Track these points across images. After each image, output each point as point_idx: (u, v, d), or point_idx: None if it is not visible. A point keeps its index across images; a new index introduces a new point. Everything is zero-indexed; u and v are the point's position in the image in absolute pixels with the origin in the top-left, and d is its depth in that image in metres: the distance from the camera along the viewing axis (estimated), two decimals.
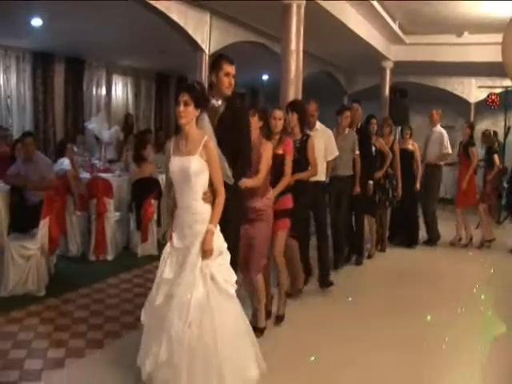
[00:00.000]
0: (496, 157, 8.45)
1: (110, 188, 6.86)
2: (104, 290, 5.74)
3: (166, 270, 3.52)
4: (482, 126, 12.46)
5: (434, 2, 8.39)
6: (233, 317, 3.50)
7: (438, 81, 13.39)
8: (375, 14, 8.79)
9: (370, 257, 7.53)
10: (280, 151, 4.73)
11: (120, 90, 11.75)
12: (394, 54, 11.55)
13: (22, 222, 5.83)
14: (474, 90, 13.29)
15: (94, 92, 10.98)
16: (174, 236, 3.57)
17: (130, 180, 7.24)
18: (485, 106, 12.76)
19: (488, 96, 12.28)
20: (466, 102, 13.44)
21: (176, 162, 3.49)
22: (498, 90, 12.01)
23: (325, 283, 5.92)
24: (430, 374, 4.16)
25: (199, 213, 3.51)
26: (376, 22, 9.39)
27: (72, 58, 10.23)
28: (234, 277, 3.58)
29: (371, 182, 7.15)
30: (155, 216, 7.10)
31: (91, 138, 9.42)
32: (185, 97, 3.40)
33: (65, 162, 6.92)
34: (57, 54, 9.89)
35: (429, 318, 5.36)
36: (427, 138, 8.64)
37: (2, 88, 9.23)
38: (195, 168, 3.44)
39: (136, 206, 7.00)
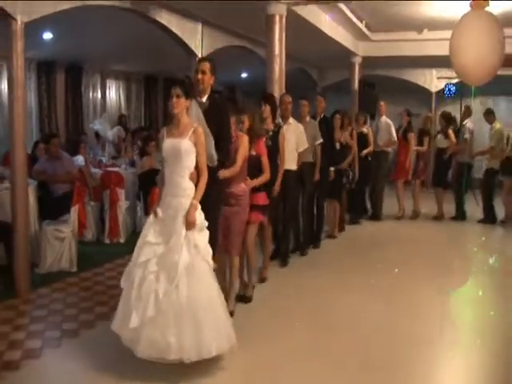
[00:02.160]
0: (426, 138, 9.74)
1: (121, 180, 7.83)
2: (124, 264, 6.70)
3: (149, 235, 3.93)
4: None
5: (395, 2, 9.40)
6: (210, 283, 3.92)
7: (403, 73, 14.39)
8: (344, 16, 9.81)
9: (333, 237, 8.19)
10: (253, 152, 5.15)
11: (113, 93, 12.59)
12: (361, 50, 12.54)
13: (50, 211, 6.77)
14: (434, 81, 14.36)
15: (91, 96, 11.82)
16: (159, 209, 4.01)
17: (137, 172, 8.19)
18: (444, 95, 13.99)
19: (445, 86, 13.49)
20: (428, 92, 14.53)
21: (169, 143, 4.00)
22: (455, 81, 13.13)
23: (284, 262, 6.63)
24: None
25: (184, 188, 3.95)
26: (345, 23, 10.40)
27: (71, 66, 11.03)
28: (210, 251, 3.99)
29: (332, 169, 7.62)
30: None
31: (92, 138, 10.31)
32: (177, 90, 3.96)
33: (79, 159, 7.86)
34: (58, 62, 10.68)
35: (396, 270, 6.57)
36: (376, 127, 9.73)
37: None
38: (185, 148, 3.94)
39: (143, 195, 7.96)
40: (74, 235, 6.51)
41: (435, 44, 11.26)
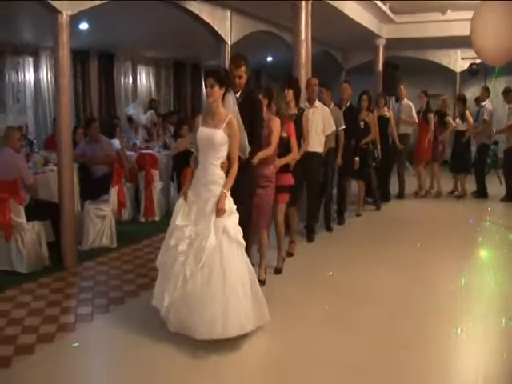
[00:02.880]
0: (449, 119, 9.88)
1: (156, 161, 8.26)
2: (160, 241, 7.13)
3: (179, 218, 4.19)
4: (468, 92, 13.75)
5: None
6: (240, 266, 4.13)
7: (427, 53, 14.50)
8: (368, 0, 10.06)
9: (358, 215, 8.57)
10: (284, 134, 5.42)
11: (144, 79, 12.98)
12: (385, 32, 12.75)
13: (90, 191, 7.21)
14: (459, 61, 14.44)
15: (123, 82, 12.23)
16: (190, 192, 4.27)
17: (171, 154, 8.59)
18: (469, 75, 14.08)
19: (470, 65, 13.59)
20: (452, 72, 14.62)
21: (203, 132, 4.20)
22: (479, 61, 13.22)
23: (310, 238, 7.03)
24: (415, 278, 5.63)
25: (216, 176, 4.17)
26: (369, 7, 10.65)
27: (103, 53, 11.45)
28: (241, 232, 4.21)
29: (357, 159, 8.00)
30: None
31: (125, 122, 10.75)
32: (210, 80, 4.12)
33: (116, 142, 8.28)
34: (92, 50, 11.13)
35: (418, 245, 6.90)
36: (398, 110, 9.91)
37: (49, 85, 10.52)
38: (219, 139, 4.15)
39: (177, 175, 8.36)
40: (114, 214, 6.95)
41: (459, 24, 11.31)
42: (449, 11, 11.82)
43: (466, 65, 14.11)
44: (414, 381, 3.66)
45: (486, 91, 10.27)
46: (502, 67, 8.13)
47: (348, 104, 7.89)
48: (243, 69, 4.79)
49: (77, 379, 3.75)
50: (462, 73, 14.47)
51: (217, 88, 4.15)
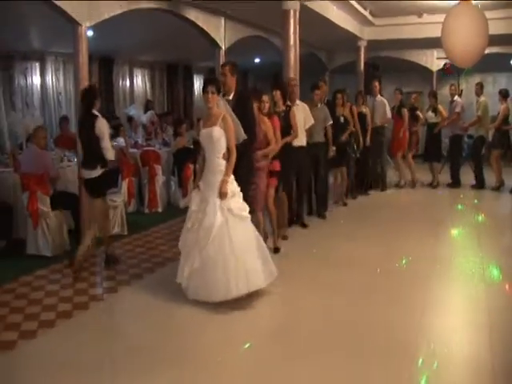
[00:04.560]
0: (419, 113, 10.88)
1: (158, 157, 9.01)
2: (166, 228, 7.90)
3: (193, 205, 5.01)
4: (443, 90, 14.67)
5: None
6: (246, 234, 4.91)
7: (405, 54, 15.32)
8: (350, 6, 10.87)
9: (344, 204, 9.35)
10: None
11: (140, 81, 13.69)
12: (366, 34, 13.54)
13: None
14: (435, 60, 15.30)
15: (121, 84, 12.94)
16: (201, 184, 5.04)
17: (171, 151, 9.34)
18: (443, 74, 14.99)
19: (443, 65, 14.48)
20: (429, 71, 15.52)
21: (204, 132, 4.98)
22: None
23: (302, 224, 7.72)
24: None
25: (218, 166, 4.93)
26: (351, 11, 11.44)
27: (104, 58, 12.13)
28: (247, 207, 5.03)
29: (334, 148, 8.45)
30: (192, 176, 9.22)
31: (124, 122, 11.44)
32: (212, 88, 4.91)
33: (120, 140, 9.00)
34: (94, 55, 11.79)
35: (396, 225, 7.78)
36: (373, 106, 10.60)
37: (54, 87, 11.24)
38: (216, 135, 4.91)
39: (178, 170, 9.11)
40: (125, 204, 7.68)
41: (434, 26, 11.91)
42: (424, 14, 12.63)
43: (441, 64, 14.96)
44: (390, 327, 4.46)
45: (480, 86, 10.87)
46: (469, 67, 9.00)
47: (325, 100, 8.66)
48: (226, 68, 5.62)
49: (111, 332, 4.52)
50: (438, 71, 15.33)
51: (215, 95, 4.94)
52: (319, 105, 8.13)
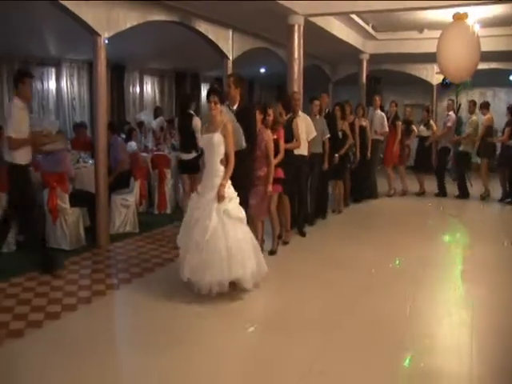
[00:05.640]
0: (413, 127, 11.31)
1: (168, 161, 9.50)
2: (176, 228, 8.31)
3: (192, 203, 5.37)
4: (444, 103, 15.14)
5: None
6: (242, 233, 5.20)
7: (406, 67, 15.86)
8: (353, 21, 11.39)
9: (339, 212, 9.64)
10: (275, 136, 6.60)
11: (149, 88, 14.21)
12: (369, 48, 14.04)
13: (113, 185, 8.41)
14: (435, 75, 15.81)
15: (131, 90, 13.46)
16: (199, 187, 5.37)
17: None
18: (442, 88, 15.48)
19: (442, 80, 14.96)
20: (429, 84, 16.04)
21: (205, 137, 5.32)
22: None
23: (301, 232, 7.94)
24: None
25: (217, 170, 5.24)
26: (354, 26, 11.97)
27: (116, 65, 12.63)
28: (243, 211, 5.32)
29: (336, 155, 8.90)
30: None
31: (134, 127, 11.93)
32: (215, 98, 5.25)
33: (132, 144, 9.51)
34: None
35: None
36: (371, 119, 11.02)
37: (69, 92, 11.79)
38: (217, 140, 5.21)
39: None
40: (137, 204, 8.17)
41: (434, 42, 12.45)
42: (425, 30, 13.16)
43: (441, 78, 15.43)
44: (379, 316, 4.93)
45: (474, 104, 11.35)
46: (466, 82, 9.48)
47: (326, 111, 9.04)
48: (231, 79, 6.07)
49: (123, 317, 5.00)
50: (438, 85, 15.82)
51: (218, 105, 5.30)
52: (317, 116, 8.36)
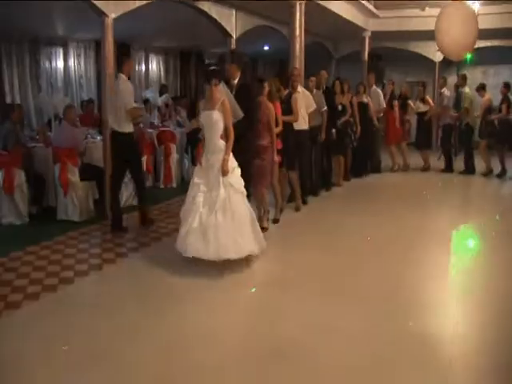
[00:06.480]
0: (409, 103, 11.45)
1: (174, 137, 9.81)
2: (181, 201, 8.63)
3: (196, 178, 5.58)
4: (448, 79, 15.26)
5: None
6: (244, 207, 5.51)
7: (409, 45, 15.88)
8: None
9: (339, 185, 9.88)
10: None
11: (154, 66, 14.41)
12: (371, 25, 14.18)
13: None
14: (437, 52, 15.87)
15: (137, 69, 13.67)
16: (203, 159, 5.62)
17: (185, 130, 10.10)
18: (446, 63, 15.56)
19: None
20: (432, 61, 16.15)
21: (204, 114, 5.53)
22: None
23: (303, 201, 8.24)
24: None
25: (218, 146, 5.48)
26: (355, 4, 12.15)
27: (121, 44, 12.85)
28: (242, 183, 5.58)
29: (334, 131, 9.19)
30: None
31: (140, 104, 12.20)
32: (214, 80, 5.47)
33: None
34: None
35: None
36: (368, 95, 11.02)
37: (76, 70, 12.06)
38: (215, 118, 5.44)
39: (191, 148, 9.89)
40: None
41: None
42: (427, 8, 13.31)
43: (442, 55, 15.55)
44: (372, 276, 5.25)
45: (463, 78, 11.52)
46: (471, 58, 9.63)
47: (325, 87, 9.33)
48: (231, 56, 6.69)
49: (133, 280, 5.35)
50: (441, 62, 15.92)
51: (218, 84, 5.55)
52: (314, 91, 8.69)
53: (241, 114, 6.05)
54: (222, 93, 5.65)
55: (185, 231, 5.44)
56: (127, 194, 8.27)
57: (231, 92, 6.22)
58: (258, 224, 5.78)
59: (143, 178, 7.36)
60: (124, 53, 7.11)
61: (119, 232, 6.79)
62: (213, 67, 5.73)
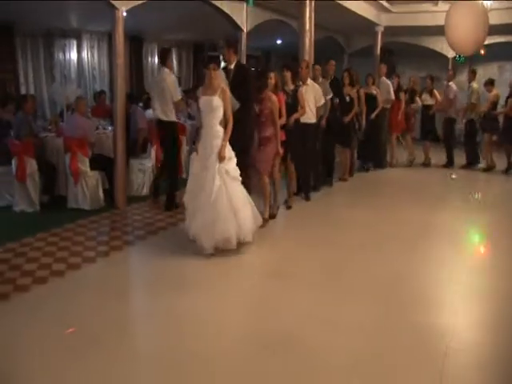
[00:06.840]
0: (417, 99, 11.48)
1: (185, 129, 9.92)
2: None
3: (193, 168, 5.74)
4: (461, 77, 15.23)
5: None
6: (240, 192, 5.68)
7: (422, 40, 15.81)
8: None
9: (344, 180, 9.88)
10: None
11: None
12: (383, 20, 14.15)
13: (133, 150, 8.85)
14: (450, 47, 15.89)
15: (150, 61, 13.87)
16: (199, 147, 5.71)
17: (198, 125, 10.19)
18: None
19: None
20: (444, 57, 16.09)
21: (204, 99, 5.63)
22: None
23: (306, 197, 8.32)
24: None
25: (217, 131, 5.58)
26: None
27: (134, 37, 13.00)
28: (238, 171, 5.70)
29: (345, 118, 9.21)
30: None
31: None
32: (213, 65, 5.65)
33: (149, 112, 9.90)
34: (126, 35, 12.72)
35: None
36: (377, 86, 10.99)
37: (90, 62, 12.25)
38: (216, 104, 5.56)
39: None
40: (153, 169, 8.62)
41: None
42: (440, 2, 13.28)
43: None
44: (371, 267, 5.34)
45: (473, 73, 11.54)
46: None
47: (333, 77, 9.36)
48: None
49: (136, 269, 5.49)
50: (454, 58, 15.83)
51: (217, 69, 5.70)
52: (320, 79, 8.78)
53: (236, 104, 6.18)
54: (220, 78, 5.80)
55: (189, 219, 5.72)
56: (136, 184, 8.43)
57: (229, 77, 6.59)
58: (255, 207, 5.91)
59: (176, 164, 7.93)
60: (167, 51, 7.76)
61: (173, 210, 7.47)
62: (211, 53, 5.89)
